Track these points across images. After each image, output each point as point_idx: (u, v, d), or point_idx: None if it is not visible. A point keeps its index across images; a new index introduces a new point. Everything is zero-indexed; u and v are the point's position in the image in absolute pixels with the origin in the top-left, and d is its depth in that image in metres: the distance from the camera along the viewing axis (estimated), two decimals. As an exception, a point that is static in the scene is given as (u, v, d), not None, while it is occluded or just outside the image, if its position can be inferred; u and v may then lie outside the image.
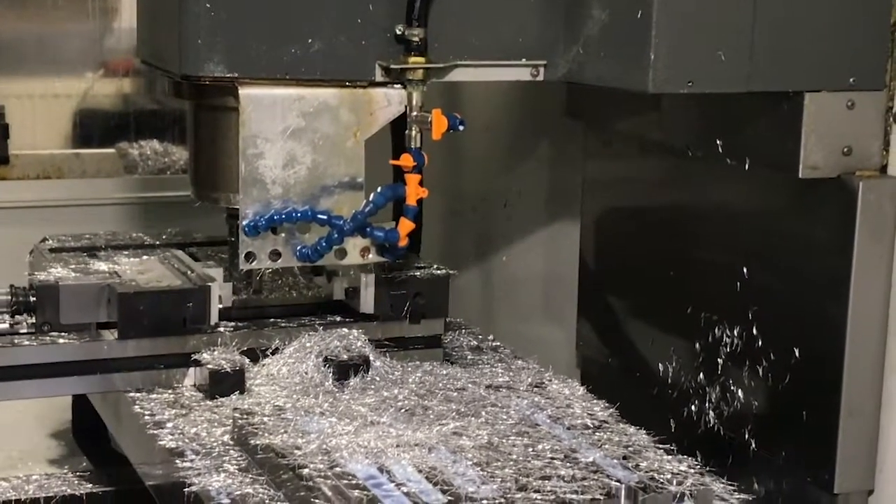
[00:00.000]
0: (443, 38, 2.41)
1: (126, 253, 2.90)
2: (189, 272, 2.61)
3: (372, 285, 2.62)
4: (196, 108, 2.53)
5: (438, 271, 2.70)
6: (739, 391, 2.52)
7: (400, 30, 2.39)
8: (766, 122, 2.37)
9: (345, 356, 2.48)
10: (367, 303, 2.62)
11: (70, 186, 4.29)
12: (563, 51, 2.45)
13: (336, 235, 2.43)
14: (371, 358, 2.50)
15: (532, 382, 2.56)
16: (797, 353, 2.38)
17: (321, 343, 2.52)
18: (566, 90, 2.96)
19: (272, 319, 2.64)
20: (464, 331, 2.95)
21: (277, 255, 2.46)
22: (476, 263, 3.55)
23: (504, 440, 2.23)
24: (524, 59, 2.47)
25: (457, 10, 2.42)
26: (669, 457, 2.22)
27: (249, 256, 2.44)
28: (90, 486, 2.85)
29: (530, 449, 2.20)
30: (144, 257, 2.82)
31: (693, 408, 2.64)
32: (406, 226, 2.44)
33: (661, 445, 2.27)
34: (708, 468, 2.23)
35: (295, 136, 2.42)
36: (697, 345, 2.63)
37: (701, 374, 2.62)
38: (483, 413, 2.36)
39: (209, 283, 2.52)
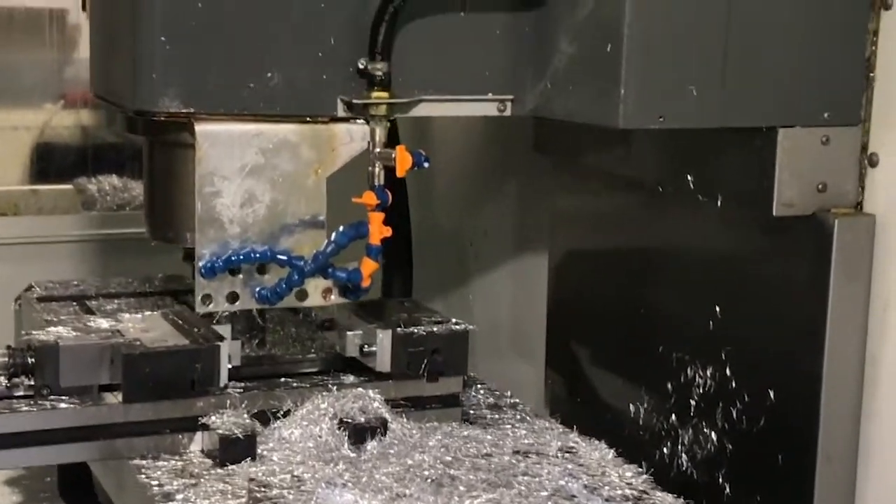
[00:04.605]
0: (407, 72, 2.36)
1: (119, 302, 2.83)
2: (195, 329, 2.50)
3: (388, 343, 2.52)
4: (151, 144, 2.46)
5: (457, 326, 2.59)
6: (713, 434, 2.48)
7: (362, 63, 2.33)
8: (738, 158, 2.34)
9: (361, 418, 2.38)
10: (383, 361, 2.52)
11: (26, 223, 4.21)
12: (531, 85, 2.40)
13: (296, 277, 2.36)
14: (388, 420, 2.41)
15: (561, 447, 2.48)
16: (772, 396, 2.34)
17: (335, 404, 2.41)
18: (534, 124, 2.93)
19: (283, 379, 2.54)
20: (478, 386, 2.85)
21: (235, 297, 2.38)
22: (444, 301, 3.50)
23: (541, 514, 2.16)
24: (490, 94, 2.43)
25: (421, 43, 2.37)
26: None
27: (206, 299, 2.36)
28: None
29: (569, 524, 2.13)
30: (147, 313, 2.71)
31: (665, 450, 2.60)
32: (369, 266, 2.38)
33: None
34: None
35: (253, 174, 2.35)
36: (669, 385, 2.59)
37: (673, 416, 2.58)
38: (515, 483, 2.27)
39: (218, 343, 2.42)
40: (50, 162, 4.39)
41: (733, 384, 2.43)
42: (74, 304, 2.84)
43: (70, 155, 4.40)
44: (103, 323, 2.61)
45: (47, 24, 4.29)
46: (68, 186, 4.37)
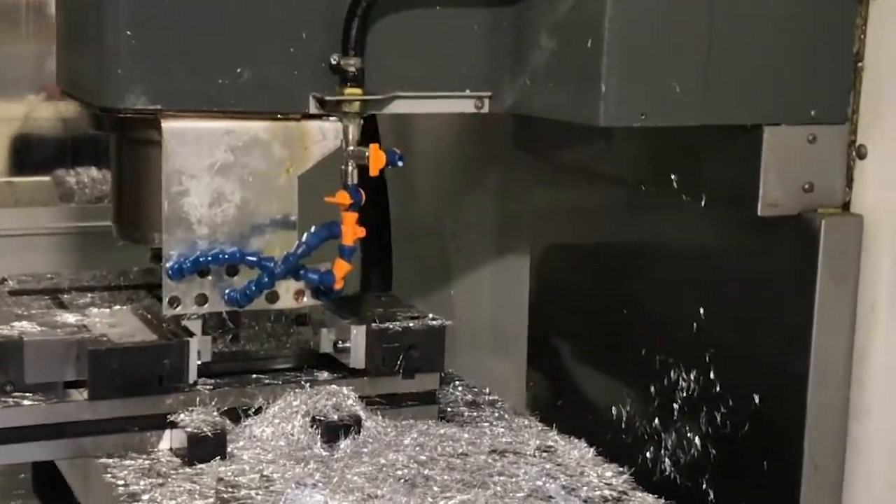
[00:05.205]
0: (381, 68, 2.30)
1: (92, 296, 2.76)
2: (164, 325, 2.44)
3: (363, 339, 2.46)
4: (118, 141, 2.40)
5: (433, 322, 2.53)
6: (697, 438, 2.45)
7: (335, 59, 2.26)
8: (723, 157, 2.31)
9: (334, 416, 2.32)
10: (357, 358, 2.46)
11: (3, 216, 4.15)
12: (510, 81, 2.35)
13: (266, 279, 2.30)
14: (362, 417, 2.35)
15: (539, 446, 2.41)
16: (757, 400, 2.31)
17: (308, 402, 2.35)
18: (514, 120, 2.88)
19: (255, 375, 2.47)
20: (457, 383, 2.78)
21: (204, 299, 2.32)
22: (424, 296, 3.45)
23: (515, 516, 2.10)
24: (468, 90, 2.37)
25: (396, 38, 2.31)
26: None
27: (174, 301, 2.30)
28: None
29: (545, 527, 2.07)
30: (116, 307, 2.65)
31: (648, 454, 2.57)
32: (342, 267, 2.32)
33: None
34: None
35: (223, 172, 2.28)
36: (652, 388, 2.56)
37: (656, 420, 2.55)
38: (490, 483, 2.20)
39: (186, 339, 2.35)
40: (29, 154, 4.34)
41: (717, 388, 2.40)
42: (47, 297, 2.77)
43: (50, 147, 4.34)
44: (70, 318, 2.55)
45: (24, 15, 4.23)
46: (46, 178, 4.32)
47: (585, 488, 2.22)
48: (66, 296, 2.79)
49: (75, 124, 4.33)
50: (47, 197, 4.29)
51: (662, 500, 2.22)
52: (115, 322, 2.51)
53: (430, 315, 2.56)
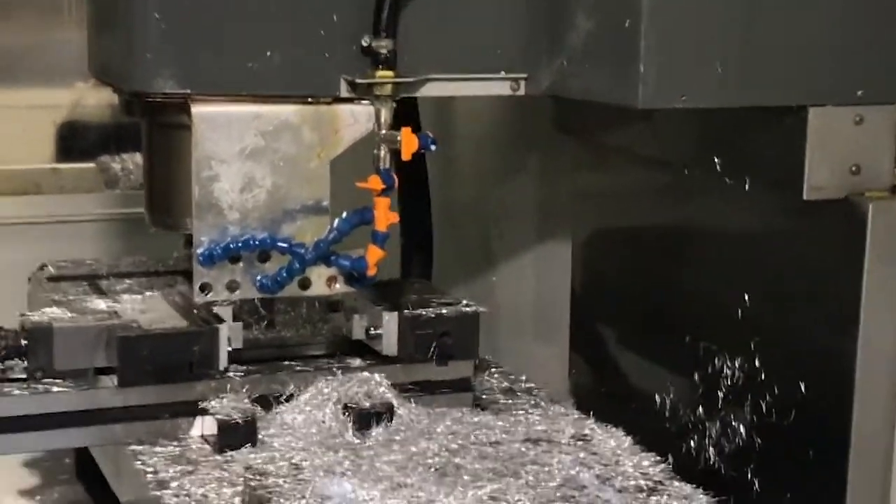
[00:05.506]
0: (413, 50, 2.26)
1: (129, 282, 2.76)
2: (195, 311, 2.43)
3: (395, 325, 2.44)
4: (149, 126, 2.39)
5: (467, 308, 2.51)
6: (741, 427, 2.41)
7: (366, 41, 2.23)
8: (767, 139, 2.26)
9: (366, 403, 2.30)
10: (389, 345, 2.44)
11: (48, 202, 4.17)
12: (546, 62, 2.31)
13: (297, 265, 2.28)
14: (395, 405, 2.33)
15: (574, 434, 2.37)
16: (803, 388, 2.27)
17: (340, 389, 2.33)
18: (554, 103, 2.83)
19: (286, 362, 2.47)
20: (493, 370, 2.74)
21: (235, 285, 2.30)
22: (465, 282, 3.42)
23: (547, 505, 2.07)
24: (503, 72, 2.33)
25: (429, 19, 2.27)
26: (730, 526, 2.09)
27: (205, 287, 2.28)
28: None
29: (577, 516, 2.04)
30: (147, 293, 2.65)
31: (692, 443, 2.53)
32: (375, 254, 2.29)
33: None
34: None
35: (253, 157, 2.26)
36: (696, 376, 2.52)
37: (700, 408, 2.51)
38: (522, 472, 2.17)
39: (217, 325, 2.34)
40: (75, 140, 4.34)
41: (762, 376, 2.36)
42: (85, 283, 2.77)
43: (95, 133, 4.35)
44: (101, 304, 2.55)
45: (67, 1, 4.24)
46: (90, 165, 4.32)
47: (620, 478, 2.18)
48: (103, 282, 2.79)
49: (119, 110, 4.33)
50: (92, 183, 4.29)
51: (700, 490, 2.18)
52: (146, 308, 2.51)
53: (464, 301, 2.53)
